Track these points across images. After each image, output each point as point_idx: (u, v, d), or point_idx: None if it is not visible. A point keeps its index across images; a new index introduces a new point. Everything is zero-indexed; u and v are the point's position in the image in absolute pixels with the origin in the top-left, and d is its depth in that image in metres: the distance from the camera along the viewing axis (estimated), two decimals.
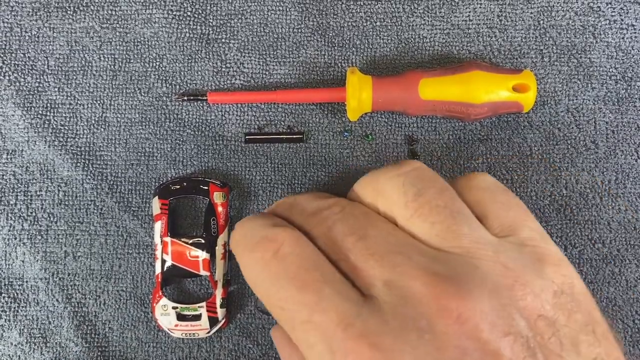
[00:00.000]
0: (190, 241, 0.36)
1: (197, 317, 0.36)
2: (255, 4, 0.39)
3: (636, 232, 0.38)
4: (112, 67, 0.39)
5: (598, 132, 0.39)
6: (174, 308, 0.36)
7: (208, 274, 0.36)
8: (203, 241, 0.36)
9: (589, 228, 0.38)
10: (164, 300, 0.36)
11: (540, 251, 0.23)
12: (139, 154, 0.38)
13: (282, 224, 0.25)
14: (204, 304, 0.36)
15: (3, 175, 0.38)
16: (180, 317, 0.36)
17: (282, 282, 0.22)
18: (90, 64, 0.39)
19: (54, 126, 0.38)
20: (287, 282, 0.22)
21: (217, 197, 0.37)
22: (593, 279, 0.38)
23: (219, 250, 0.36)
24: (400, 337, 0.20)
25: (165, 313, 0.36)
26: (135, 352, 0.37)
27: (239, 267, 0.36)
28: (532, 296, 0.21)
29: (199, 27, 0.39)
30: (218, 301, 0.36)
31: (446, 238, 0.22)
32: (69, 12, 0.39)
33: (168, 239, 0.36)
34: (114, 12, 0.39)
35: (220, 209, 0.37)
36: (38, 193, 0.38)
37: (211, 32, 0.39)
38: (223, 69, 0.39)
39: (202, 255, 0.35)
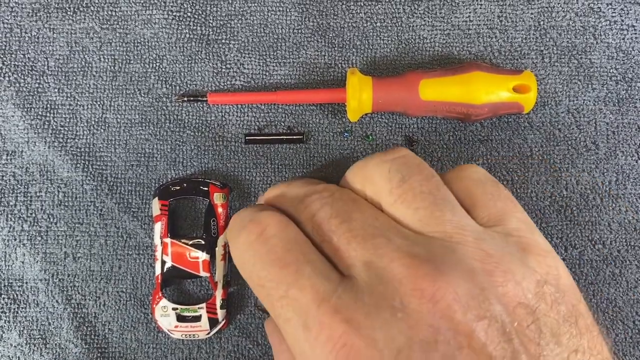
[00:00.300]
0: (190, 242, 0.36)
1: (197, 318, 0.36)
2: (256, 4, 0.39)
3: (636, 233, 0.38)
4: (112, 68, 0.39)
5: (598, 133, 0.39)
6: (173, 309, 0.36)
7: (208, 275, 0.36)
8: (203, 242, 0.36)
9: (590, 229, 0.38)
10: (164, 302, 0.36)
11: (525, 241, 0.23)
12: (139, 155, 0.38)
13: (269, 209, 0.26)
14: (203, 305, 0.36)
15: (3, 176, 0.38)
16: (180, 318, 0.36)
17: (265, 261, 0.23)
18: (90, 65, 0.39)
19: (54, 127, 0.38)
20: (269, 261, 0.23)
21: (217, 198, 0.37)
22: (593, 280, 0.38)
23: (219, 251, 0.36)
24: (374, 314, 0.20)
25: (165, 314, 0.36)
26: (135, 353, 0.37)
27: None
28: (513, 283, 0.21)
29: (199, 28, 0.39)
30: (218, 302, 0.36)
31: (429, 223, 0.23)
32: (68, 12, 0.39)
33: (168, 240, 0.36)
34: (114, 13, 0.39)
35: (220, 210, 0.37)
36: (38, 194, 0.38)
37: (211, 32, 0.39)
38: (223, 70, 0.39)
39: (202, 256, 0.35)
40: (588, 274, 0.38)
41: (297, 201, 0.26)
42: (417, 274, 0.21)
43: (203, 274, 0.35)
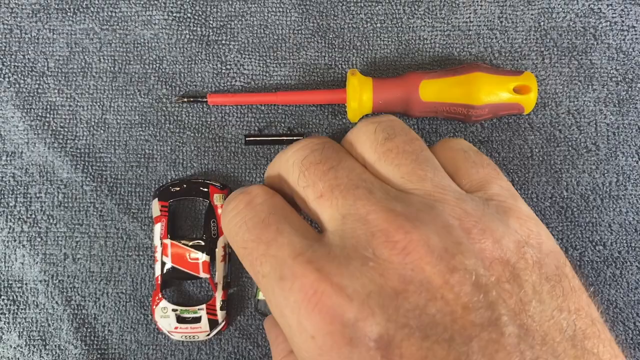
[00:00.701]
0: (190, 243, 0.35)
1: (197, 320, 0.36)
2: (256, 5, 0.39)
3: (637, 234, 0.38)
4: (112, 68, 0.38)
5: (599, 134, 0.38)
6: (173, 310, 0.36)
7: (208, 276, 0.35)
8: (203, 243, 0.35)
9: (590, 230, 0.38)
10: (164, 303, 0.36)
11: (507, 206, 0.23)
12: (139, 155, 0.38)
13: (258, 184, 0.27)
14: (203, 306, 0.36)
15: (2, 177, 0.38)
16: (180, 320, 0.36)
17: (249, 225, 0.24)
18: (90, 66, 0.38)
19: (54, 128, 0.38)
20: (252, 224, 0.24)
21: (217, 199, 0.37)
22: (594, 281, 0.38)
23: (219, 252, 0.36)
24: (345, 263, 0.20)
25: (165, 315, 0.36)
26: (135, 354, 0.37)
27: (239, 269, 0.36)
28: (491, 241, 0.21)
29: (199, 29, 0.39)
30: (218, 303, 0.36)
31: (411, 180, 0.23)
32: (68, 13, 0.39)
33: (168, 241, 0.35)
34: (114, 14, 0.39)
35: (220, 210, 0.36)
36: (37, 195, 0.38)
37: (211, 33, 0.39)
38: (223, 71, 0.39)
39: (202, 257, 0.35)
40: (589, 275, 0.38)
41: (289, 150, 0.26)
42: (391, 226, 0.21)
43: (203, 275, 0.35)
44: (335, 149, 0.25)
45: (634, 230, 0.38)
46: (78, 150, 0.38)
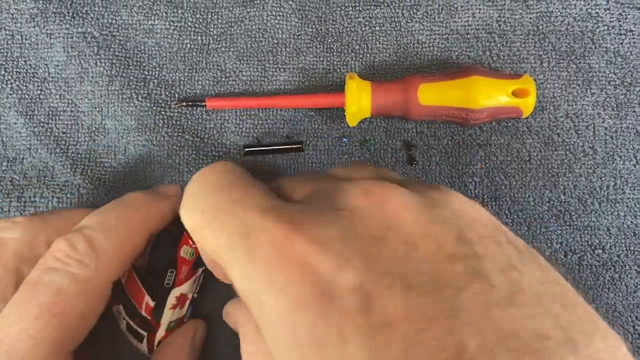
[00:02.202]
0: (144, 282, 0.30)
1: (140, 339, 0.30)
2: (255, 10, 0.36)
3: (636, 238, 0.35)
4: (109, 72, 0.36)
5: (597, 138, 0.35)
6: (124, 318, 0.30)
7: (149, 318, 0.30)
8: (154, 287, 0.30)
9: (588, 234, 0.35)
10: (120, 307, 0.30)
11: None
12: (137, 160, 0.35)
13: None
14: (145, 334, 0.30)
15: (1, 181, 0.35)
16: (129, 328, 0.30)
17: (212, 188, 0.22)
18: (86, 71, 0.36)
19: (56, 134, 0.35)
20: (216, 188, 0.22)
21: (185, 252, 0.31)
22: (593, 285, 0.34)
23: (170, 301, 0.30)
24: (319, 216, 0.18)
25: (120, 317, 0.30)
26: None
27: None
28: (470, 210, 0.19)
29: (199, 37, 0.36)
30: (156, 340, 0.30)
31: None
32: (66, 17, 0.35)
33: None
34: (114, 21, 0.36)
35: (184, 267, 0.30)
36: (32, 199, 0.34)
37: (211, 41, 0.36)
38: (223, 79, 0.36)
39: (148, 300, 0.30)
40: (587, 279, 0.34)
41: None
42: (366, 187, 0.19)
43: (144, 314, 0.30)
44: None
45: (632, 234, 0.35)
46: (79, 155, 0.35)
